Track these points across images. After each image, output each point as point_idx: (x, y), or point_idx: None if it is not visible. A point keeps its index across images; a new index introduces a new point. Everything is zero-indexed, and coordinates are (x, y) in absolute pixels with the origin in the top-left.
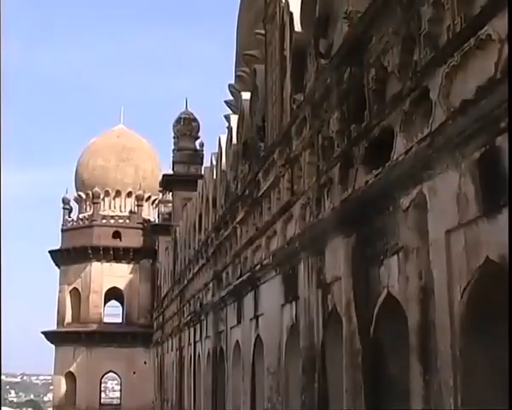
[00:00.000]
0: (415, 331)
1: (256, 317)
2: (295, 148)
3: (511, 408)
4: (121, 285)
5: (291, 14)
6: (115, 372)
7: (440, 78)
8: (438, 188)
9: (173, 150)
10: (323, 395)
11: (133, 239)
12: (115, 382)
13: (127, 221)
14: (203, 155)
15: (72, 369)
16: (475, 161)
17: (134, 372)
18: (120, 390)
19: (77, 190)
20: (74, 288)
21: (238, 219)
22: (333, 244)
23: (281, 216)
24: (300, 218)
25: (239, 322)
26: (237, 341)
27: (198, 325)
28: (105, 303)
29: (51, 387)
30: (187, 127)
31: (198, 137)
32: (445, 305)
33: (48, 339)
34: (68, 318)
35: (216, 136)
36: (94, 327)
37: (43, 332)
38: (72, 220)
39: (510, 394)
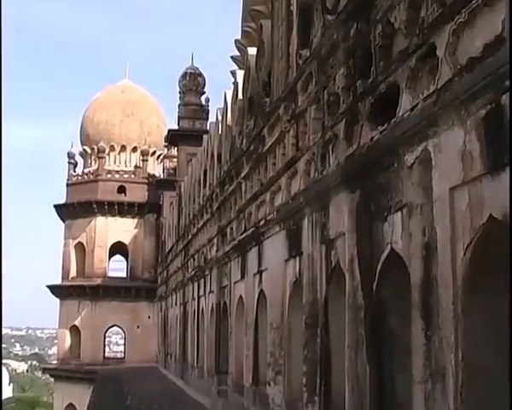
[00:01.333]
0: (417, 288)
1: (260, 272)
2: (301, 103)
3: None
4: (126, 240)
5: None
6: (119, 326)
7: (447, 35)
8: (443, 145)
9: (179, 105)
10: (326, 350)
11: (138, 194)
12: (119, 336)
13: (132, 176)
14: (208, 110)
15: (76, 323)
16: (481, 118)
17: (138, 327)
18: (124, 344)
19: (82, 145)
20: (79, 242)
21: (243, 175)
22: (337, 200)
23: (285, 172)
24: (305, 173)
25: (243, 277)
26: (241, 296)
27: (202, 280)
28: (109, 258)
29: (56, 340)
30: (192, 82)
31: (204, 93)
32: (447, 262)
33: (53, 293)
34: (73, 272)
35: (222, 91)
36: (98, 281)
37: (48, 286)
38: (77, 175)
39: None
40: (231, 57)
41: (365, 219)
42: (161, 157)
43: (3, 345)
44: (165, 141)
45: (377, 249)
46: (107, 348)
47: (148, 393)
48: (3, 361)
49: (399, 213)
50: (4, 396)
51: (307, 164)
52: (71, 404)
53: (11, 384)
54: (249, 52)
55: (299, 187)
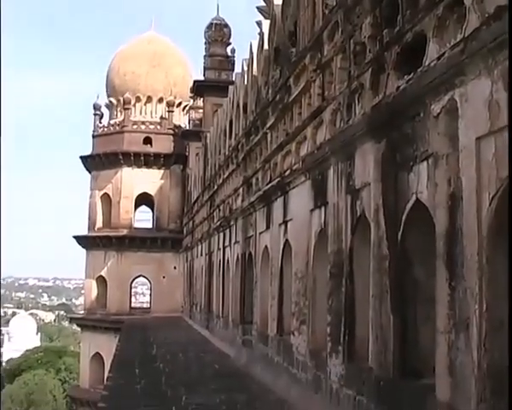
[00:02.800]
0: (442, 238)
1: (285, 222)
2: (327, 53)
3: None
4: (151, 191)
5: None
6: (145, 277)
7: None
8: (469, 94)
9: (204, 56)
10: (350, 300)
11: (164, 145)
12: (145, 287)
13: (158, 127)
14: (234, 61)
15: (103, 273)
16: (508, 67)
17: (163, 277)
18: (150, 295)
19: (108, 96)
20: (105, 193)
21: (268, 125)
22: (363, 150)
23: (311, 121)
24: (331, 123)
25: (268, 227)
26: (266, 246)
27: (227, 231)
28: (135, 209)
29: (82, 291)
30: (218, 33)
31: (229, 44)
32: (473, 212)
33: (79, 243)
34: (99, 223)
35: (247, 42)
36: (124, 232)
37: (74, 237)
38: (103, 126)
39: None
40: (257, 7)
41: (391, 169)
42: (187, 108)
43: (31, 295)
44: (191, 92)
45: (402, 199)
46: (133, 299)
47: (173, 343)
48: (32, 311)
49: (425, 163)
50: (32, 345)
51: (333, 114)
52: (97, 353)
53: (39, 334)
54: (275, 2)
55: (325, 137)
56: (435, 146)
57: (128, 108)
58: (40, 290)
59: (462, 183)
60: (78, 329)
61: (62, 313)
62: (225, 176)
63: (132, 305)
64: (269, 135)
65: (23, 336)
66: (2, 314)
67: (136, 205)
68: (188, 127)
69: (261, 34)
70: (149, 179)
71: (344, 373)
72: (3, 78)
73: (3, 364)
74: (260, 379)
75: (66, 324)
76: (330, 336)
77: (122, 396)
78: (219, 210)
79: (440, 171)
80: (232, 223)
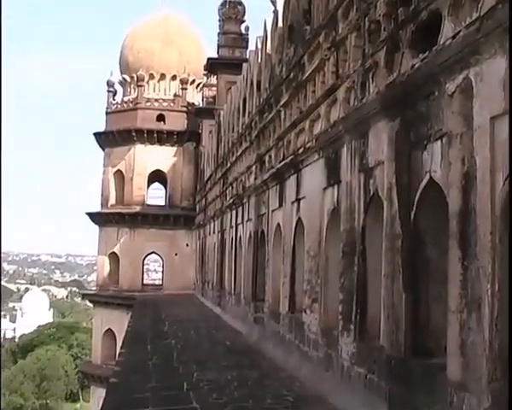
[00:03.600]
0: (455, 217)
1: (298, 200)
2: (341, 31)
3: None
4: (165, 168)
5: None
6: (157, 254)
7: None
8: (485, 73)
9: (218, 34)
10: (362, 278)
11: (177, 122)
12: (157, 264)
13: (171, 104)
14: (248, 38)
15: (115, 250)
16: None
17: (176, 254)
18: (162, 272)
19: (121, 73)
20: (118, 170)
21: (282, 103)
22: (376, 128)
23: (325, 99)
24: (345, 101)
25: (281, 205)
26: (278, 224)
27: (240, 208)
28: (148, 186)
29: (95, 267)
30: (232, 10)
31: (243, 21)
32: (486, 192)
33: (92, 220)
34: (112, 199)
35: (261, 19)
36: (137, 209)
37: (87, 213)
38: (117, 103)
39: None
40: None
41: (404, 147)
42: (201, 86)
43: (44, 271)
44: (205, 69)
45: (416, 178)
46: (145, 276)
47: (185, 319)
48: (44, 287)
49: (439, 142)
50: (45, 321)
51: (347, 92)
52: (109, 329)
53: (51, 310)
54: None
55: (339, 115)
56: (449, 125)
57: (141, 85)
58: (53, 267)
59: (476, 162)
60: (91, 305)
61: (75, 289)
62: (238, 153)
63: (144, 282)
64: (282, 113)
65: (36, 312)
66: (15, 290)
67: (149, 182)
68: (201, 105)
69: (275, 12)
70: (162, 156)
71: (355, 352)
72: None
73: (16, 339)
74: (272, 356)
75: (78, 300)
76: (342, 314)
77: (134, 372)
78: (232, 188)
79: (454, 150)
80: (245, 200)
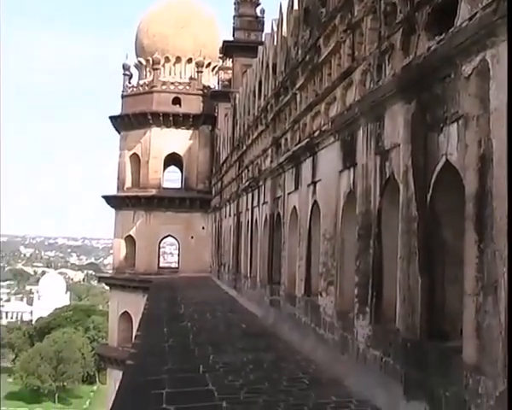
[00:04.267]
0: (471, 200)
1: (314, 183)
2: (357, 13)
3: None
4: (180, 151)
5: None
6: (173, 237)
7: None
8: (501, 55)
9: (234, 17)
10: (378, 261)
11: (193, 105)
12: (173, 247)
13: (187, 87)
14: (264, 21)
15: (131, 233)
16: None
17: (192, 237)
18: (178, 255)
19: (137, 57)
20: (134, 153)
21: (298, 86)
22: (392, 111)
23: (341, 82)
24: (361, 84)
25: (296, 188)
26: (294, 206)
27: (256, 191)
28: (164, 169)
29: (111, 250)
30: None
31: (259, 4)
32: (503, 174)
33: (108, 203)
34: (128, 182)
35: (277, 2)
36: (153, 192)
37: (104, 196)
38: (133, 86)
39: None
40: None
41: (420, 130)
42: (216, 69)
43: (61, 254)
44: (220, 52)
45: (432, 161)
46: (161, 259)
47: (201, 302)
48: (61, 270)
49: (455, 124)
50: (61, 304)
51: (363, 74)
52: (126, 312)
53: (68, 293)
54: None
55: (355, 98)
56: (466, 107)
57: (157, 69)
58: (69, 250)
59: (493, 145)
60: (107, 288)
61: (91, 272)
62: (254, 136)
63: (160, 265)
64: (298, 96)
65: (52, 295)
66: (32, 273)
67: (165, 165)
68: (217, 88)
69: None
70: (178, 140)
71: (371, 334)
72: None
73: (33, 322)
74: (287, 339)
75: (94, 283)
76: (358, 297)
77: (150, 354)
78: (248, 171)
79: (471, 132)
80: (261, 183)
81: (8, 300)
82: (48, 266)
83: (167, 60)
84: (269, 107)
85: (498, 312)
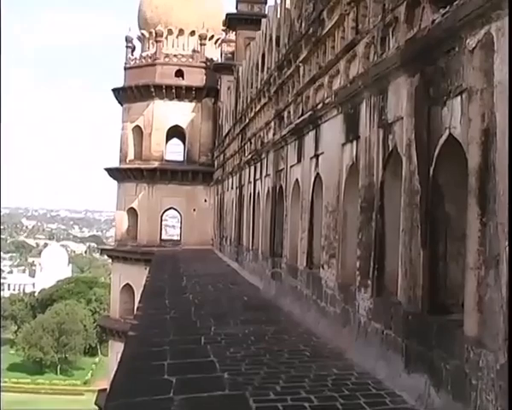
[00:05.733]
0: (474, 173)
1: (316, 156)
2: None
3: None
4: (183, 124)
5: None
6: (176, 209)
7: None
8: (506, 29)
9: None
10: (380, 234)
11: (196, 78)
12: (175, 220)
13: (190, 60)
14: None
15: (133, 205)
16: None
17: (194, 210)
18: (180, 227)
19: (140, 29)
20: (137, 125)
21: (301, 58)
22: (396, 84)
23: (344, 55)
24: (364, 57)
25: (299, 161)
26: (297, 179)
27: (258, 164)
28: (167, 141)
29: (113, 223)
30: None
31: None
32: (506, 148)
33: (111, 176)
34: (131, 155)
35: None
36: (155, 164)
37: (106, 169)
38: (135, 59)
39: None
40: None
41: (424, 103)
42: (219, 41)
43: (63, 227)
44: (224, 25)
45: (435, 134)
46: (163, 231)
47: (202, 275)
48: (63, 243)
49: (459, 97)
50: (63, 276)
51: (366, 47)
52: (128, 284)
53: (70, 265)
54: None
55: (358, 71)
56: (470, 81)
57: (160, 41)
58: (71, 222)
59: (496, 118)
60: (109, 260)
61: (93, 244)
62: (257, 109)
63: (162, 237)
64: (301, 68)
65: (55, 267)
66: (34, 245)
67: (168, 138)
68: (220, 60)
69: None
70: (181, 112)
71: (372, 307)
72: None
73: (36, 294)
74: (289, 312)
75: (96, 255)
76: (359, 270)
77: (152, 326)
78: (250, 143)
79: (474, 106)
80: (263, 156)
81: (11, 272)
82: (50, 239)
83: (170, 32)
84: (272, 79)
85: (500, 285)
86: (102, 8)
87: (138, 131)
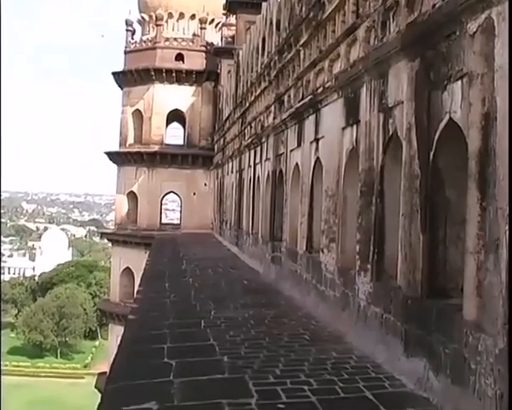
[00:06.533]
0: (474, 158)
1: (316, 140)
2: None
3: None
4: (183, 108)
5: None
6: (176, 193)
7: None
8: (507, 13)
9: None
10: (380, 219)
11: (196, 62)
12: (175, 204)
13: (190, 44)
14: None
15: (133, 189)
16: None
17: (194, 194)
18: (180, 211)
19: (140, 12)
20: (137, 109)
21: (301, 42)
22: (396, 68)
23: (345, 39)
24: (365, 41)
25: (299, 145)
26: (297, 163)
27: (258, 148)
28: (167, 125)
29: (113, 206)
30: None
31: None
32: (506, 132)
33: (111, 159)
34: (131, 139)
35: None
36: (155, 148)
37: (106, 153)
38: (136, 42)
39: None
40: None
41: (424, 87)
42: (220, 25)
43: (63, 210)
44: (224, 9)
45: (435, 119)
46: (163, 215)
47: (202, 258)
48: (63, 226)
49: (459, 82)
50: (64, 260)
51: (367, 31)
52: (127, 268)
53: (70, 249)
54: None
55: (359, 55)
56: (470, 65)
57: (160, 25)
58: (71, 206)
59: (497, 103)
60: (109, 244)
61: (93, 228)
62: (257, 93)
63: (162, 221)
64: (302, 52)
65: (55, 251)
66: (34, 229)
67: (168, 121)
68: (220, 44)
69: None
70: (181, 96)
71: (372, 291)
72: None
73: (36, 277)
74: (288, 296)
75: (96, 239)
76: (359, 254)
77: (152, 309)
78: (251, 127)
79: (475, 90)
80: (263, 140)
81: (11, 255)
82: (50, 222)
83: (170, 16)
84: (272, 64)
85: (499, 270)
86: None
87: (138, 114)
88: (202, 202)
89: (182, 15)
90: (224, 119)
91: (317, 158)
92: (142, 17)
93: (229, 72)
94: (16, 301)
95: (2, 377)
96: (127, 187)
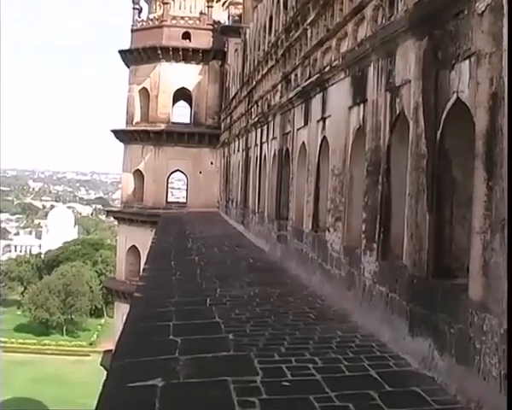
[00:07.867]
0: (482, 138)
1: (323, 119)
2: None
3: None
4: (190, 86)
5: None
6: (182, 172)
7: None
8: None
9: None
10: (386, 198)
11: (203, 40)
12: (181, 182)
13: (197, 22)
14: None
15: (140, 167)
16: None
17: (200, 172)
18: (186, 190)
19: None
20: (143, 88)
21: (309, 21)
22: (404, 47)
23: (352, 18)
24: (372, 20)
25: (306, 123)
26: (303, 142)
27: (265, 127)
28: (173, 103)
29: (119, 185)
30: None
31: None
32: None
33: (117, 138)
34: (137, 117)
35: None
36: (162, 127)
37: (112, 131)
38: (142, 21)
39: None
40: None
41: (432, 66)
42: (227, 3)
43: (69, 189)
44: None
45: (443, 98)
46: (169, 194)
47: (208, 237)
48: (69, 205)
49: (467, 61)
50: (70, 238)
51: (375, 10)
52: (133, 246)
53: (76, 227)
54: None
55: (366, 33)
56: (478, 44)
57: (167, 3)
58: (78, 184)
59: (505, 82)
60: (115, 222)
61: (99, 206)
62: (264, 72)
63: (168, 200)
64: (309, 31)
65: (61, 229)
66: (41, 207)
67: (174, 100)
68: (227, 23)
69: None
70: (188, 74)
71: (377, 270)
72: None
73: (42, 255)
74: (294, 274)
75: (103, 217)
76: (365, 233)
77: (157, 287)
78: (257, 106)
79: (483, 70)
80: (270, 119)
81: (17, 233)
82: (56, 201)
83: None
84: (279, 42)
85: (505, 250)
86: None
87: (145, 93)
88: (208, 181)
89: None
90: (231, 97)
91: (324, 137)
92: None
93: (236, 50)
94: (22, 279)
95: (8, 354)
96: (133, 165)
